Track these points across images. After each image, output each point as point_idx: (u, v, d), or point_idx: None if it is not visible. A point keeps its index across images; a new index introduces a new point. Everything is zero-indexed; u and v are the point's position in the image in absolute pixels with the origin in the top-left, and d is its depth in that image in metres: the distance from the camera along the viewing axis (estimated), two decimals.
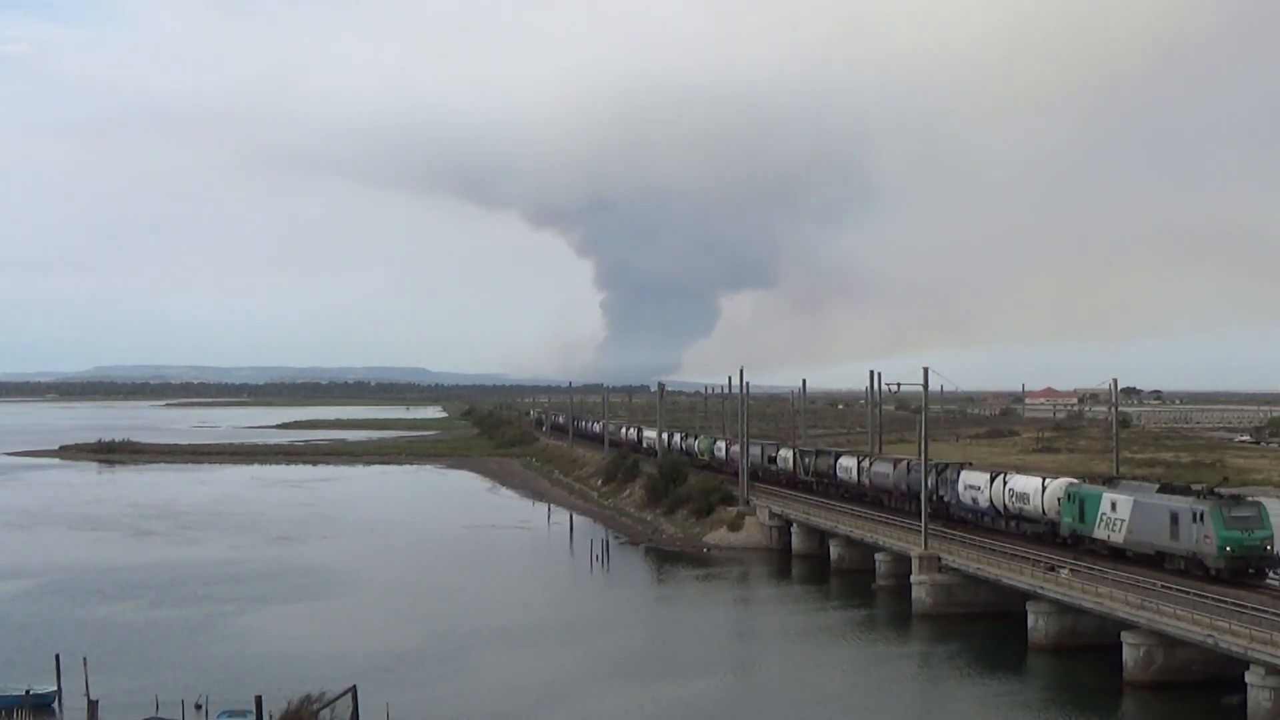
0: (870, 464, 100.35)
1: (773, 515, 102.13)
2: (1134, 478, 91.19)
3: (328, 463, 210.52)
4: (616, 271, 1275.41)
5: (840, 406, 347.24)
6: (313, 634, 67.61)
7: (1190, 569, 60.21)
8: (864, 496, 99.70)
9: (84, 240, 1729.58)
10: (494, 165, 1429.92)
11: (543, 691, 55.05)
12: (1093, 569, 63.62)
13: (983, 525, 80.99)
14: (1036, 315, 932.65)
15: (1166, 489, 66.26)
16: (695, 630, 71.52)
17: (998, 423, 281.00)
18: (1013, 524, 77.81)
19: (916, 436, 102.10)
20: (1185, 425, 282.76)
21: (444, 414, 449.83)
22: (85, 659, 50.69)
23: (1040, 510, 74.01)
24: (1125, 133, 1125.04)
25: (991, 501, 79.99)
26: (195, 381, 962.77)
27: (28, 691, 49.92)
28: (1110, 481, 71.71)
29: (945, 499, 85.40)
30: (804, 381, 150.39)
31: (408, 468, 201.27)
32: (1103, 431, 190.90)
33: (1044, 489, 74.16)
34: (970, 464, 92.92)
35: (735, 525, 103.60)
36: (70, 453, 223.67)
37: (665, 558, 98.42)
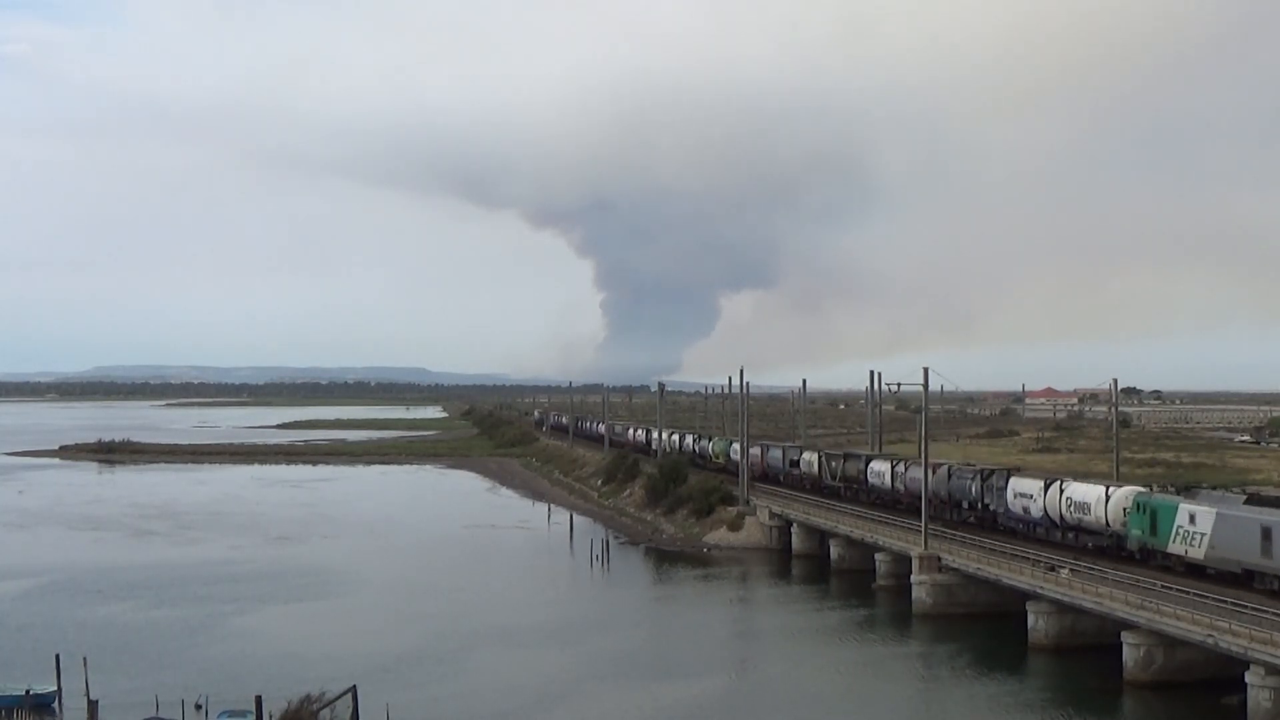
0: (906, 468, 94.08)
1: (773, 515, 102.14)
2: (1134, 478, 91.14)
3: (328, 463, 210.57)
4: (616, 271, 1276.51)
5: (841, 406, 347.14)
6: (313, 634, 67.58)
7: None
8: (899, 504, 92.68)
9: (84, 240, 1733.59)
10: (494, 165, 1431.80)
11: (542, 691, 55.07)
12: (1093, 569, 63.65)
13: (1034, 537, 75.21)
14: (1036, 315, 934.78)
15: (1255, 500, 59.99)
16: (695, 630, 71.52)
17: (998, 423, 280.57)
18: (1070, 536, 71.85)
19: (916, 436, 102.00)
20: (1185, 425, 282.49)
21: (444, 414, 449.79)
22: (85, 659, 50.68)
23: (1103, 521, 68.12)
24: (1125, 133, 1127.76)
25: (1045, 511, 74.12)
26: (195, 381, 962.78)
27: (28, 691, 49.91)
28: (1187, 491, 66.37)
29: (992, 508, 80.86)
30: (804, 381, 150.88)
31: (408, 468, 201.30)
32: (1103, 431, 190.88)
33: (1107, 498, 68.25)
34: (1018, 469, 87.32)
35: (735, 525, 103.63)
36: (70, 453, 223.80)
37: (665, 558, 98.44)
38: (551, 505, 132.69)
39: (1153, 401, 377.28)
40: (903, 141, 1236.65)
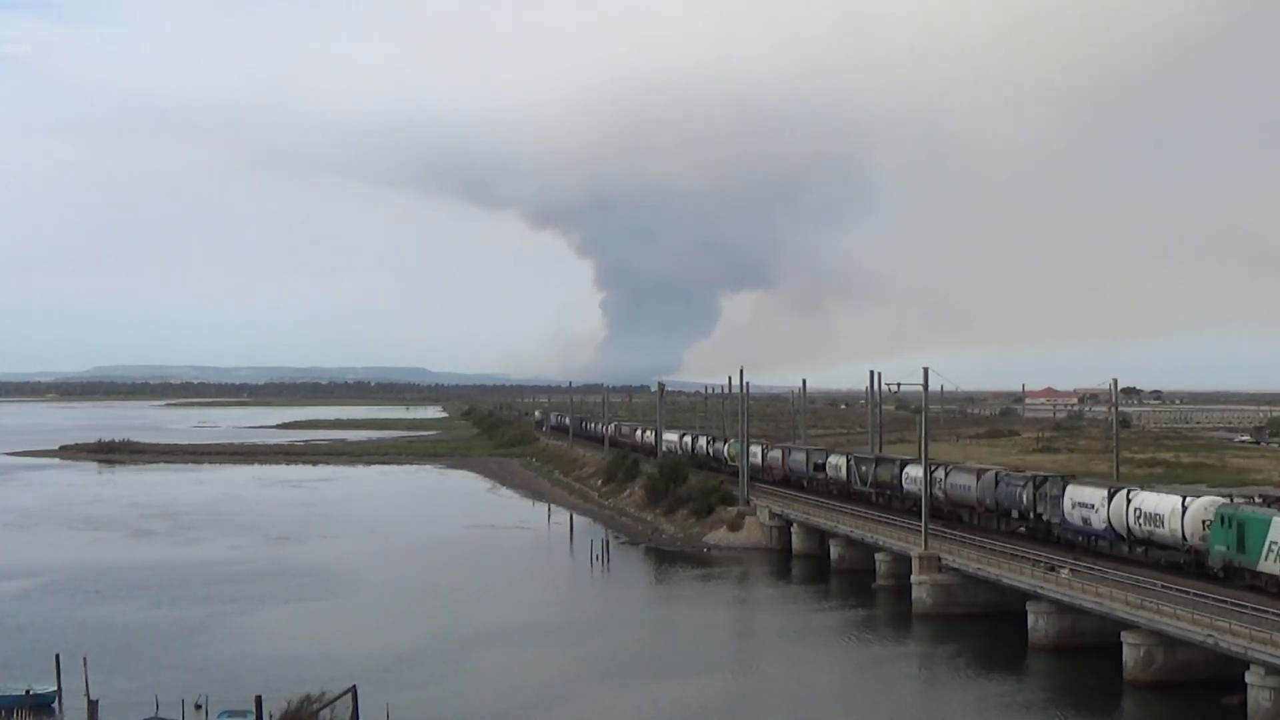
0: (946, 474, 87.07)
1: (773, 515, 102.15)
2: (1134, 478, 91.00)
3: (328, 463, 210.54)
4: (616, 271, 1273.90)
5: (841, 406, 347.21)
6: (313, 634, 67.59)
7: None
8: (939, 513, 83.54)
9: (84, 240, 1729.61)
10: (494, 165, 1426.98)
11: (542, 691, 55.09)
12: (1093, 569, 63.65)
13: (1095, 550, 68.67)
14: (1036, 315, 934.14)
15: None
16: (695, 630, 71.58)
17: (998, 423, 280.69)
18: (1139, 550, 65.31)
19: (916, 436, 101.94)
20: (1185, 425, 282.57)
21: (444, 414, 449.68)
22: (85, 659, 50.72)
23: (1179, 536, 61.70)
24: (1126, 133, 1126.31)
25: (1110, 523, 67.51)
26: (195, 381, 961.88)
27: (28, 691, 49.94)
28: (1278, 503, 60.09)
29: (1046, 518, 74.32)
30: (804, 381, 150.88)
31: (408, 468, 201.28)
32: (1103, 431, 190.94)
33: (1184, 509, 61.74)
34: (1075, 476, 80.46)
35: (735, 525, 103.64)
36: (70, 453, 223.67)
37: (665, 558, 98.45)
38: (551, 505, 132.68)
39: (1153, 401, 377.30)
40: (903, 141, 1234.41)
